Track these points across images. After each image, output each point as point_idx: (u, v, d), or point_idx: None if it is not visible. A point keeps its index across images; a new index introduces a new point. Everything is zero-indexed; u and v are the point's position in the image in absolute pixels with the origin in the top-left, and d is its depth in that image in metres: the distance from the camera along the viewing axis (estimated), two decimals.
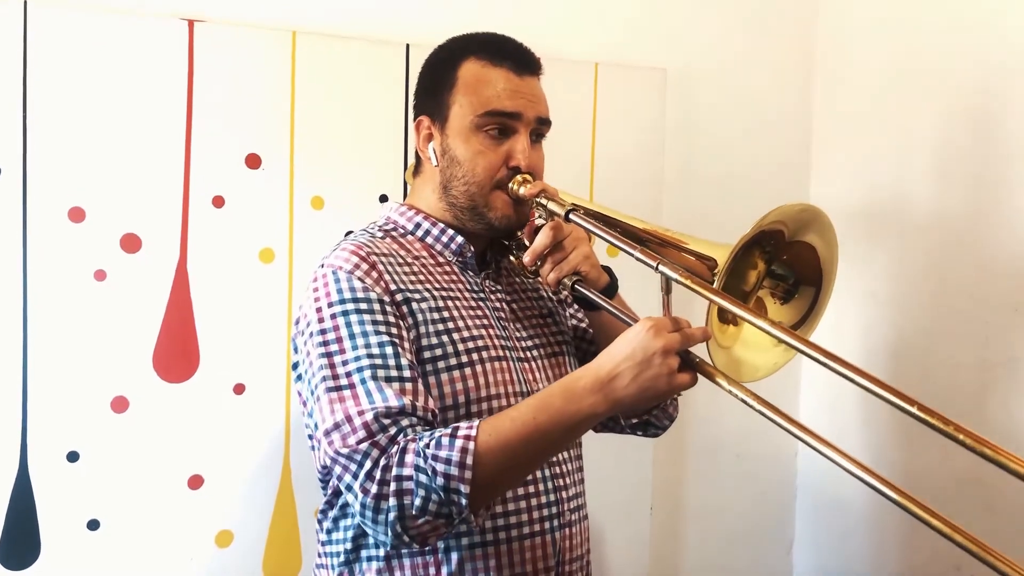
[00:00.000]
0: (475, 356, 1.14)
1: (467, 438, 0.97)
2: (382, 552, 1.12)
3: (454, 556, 1.10)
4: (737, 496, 2.25)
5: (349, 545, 1.15)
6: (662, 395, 1.00)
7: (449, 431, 0.98)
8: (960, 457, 1.64)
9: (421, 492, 0.95)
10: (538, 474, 1.16)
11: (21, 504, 1.52)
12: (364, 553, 1.14)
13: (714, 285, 1.03)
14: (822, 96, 2.25)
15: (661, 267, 1.03)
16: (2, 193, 1.49)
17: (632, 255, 1.08)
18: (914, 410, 0.80)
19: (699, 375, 1.01)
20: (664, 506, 2.14)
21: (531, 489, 1.15)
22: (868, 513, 2.07)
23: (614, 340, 1.02)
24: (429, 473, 0.95)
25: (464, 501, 0.95)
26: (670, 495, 2.16)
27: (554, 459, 1.19)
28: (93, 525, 1.57)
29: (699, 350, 1.02)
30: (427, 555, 1.11)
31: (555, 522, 1.17)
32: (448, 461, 0.95)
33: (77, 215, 1.54)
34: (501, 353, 1.17)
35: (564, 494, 1.19)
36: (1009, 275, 1.77)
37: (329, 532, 1.18)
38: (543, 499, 1.16)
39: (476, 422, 0.99)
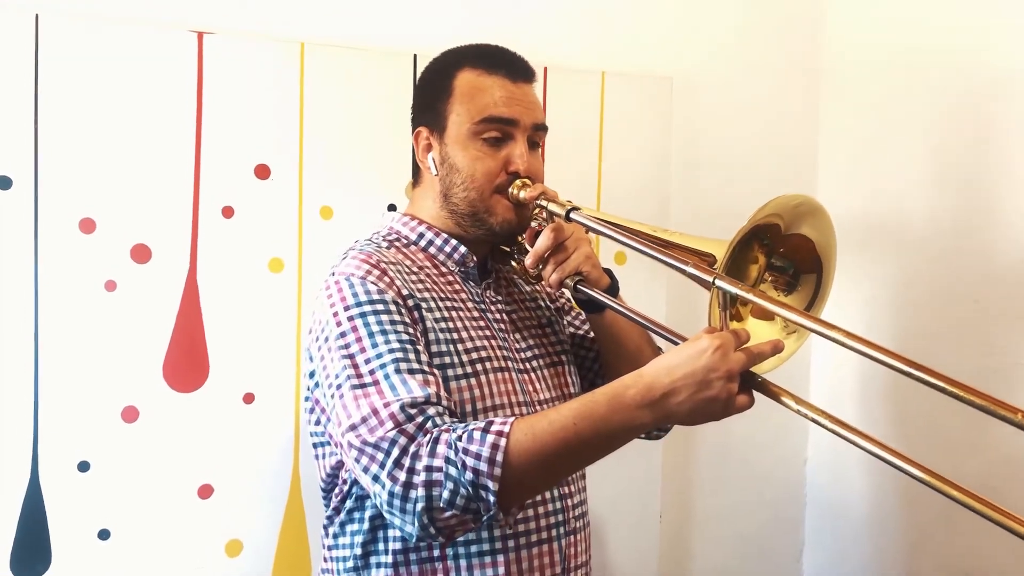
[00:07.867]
0: (479, 367, 1.14)
1: (499, 434, 0.94)
2: (390, 559, 1.12)
3: (462, 563, 1.11)
4: (746, 504, 2.24)
5: (359, 551, 1.15)
6: (714, 419, 0.96)
7: (483, 425, 0.96)
8: (968, 465, 1.64)
9: (449, 485, 0.93)
10: None
11: (32, 514, 1.52)
12: (373, 560, 1.14)
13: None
14: (828, 103, 2.25)
15: (719, 282, 0.97)
16: (13, 204, 1.50)
17: (684, 271, 1.03)
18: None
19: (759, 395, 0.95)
20: (673, 514, 2.14)
21: (538, 497, 1.16)
22: (877, 521, 2.07)
23: (668, 351, 0.97)
24: (459, 467, 0.93)
25: (492, 498, 0.93)
26: (679, 503, 2.15)
27: None
28: (104, 535, 1.57)
29: None
30: (435, 562, 1.11)
31: (561, 529, 1.18)
32: (478, 456, 0.93)
33: (88, 226, 1.55)
34: (503, 364, 1.17)
35: (569, 501, 1.20)
36: (1012, 282, 1.76)
37: (336, 537, 1.18)
38: (549, 507, 1.17)
39: (512, 419, 0.97)
